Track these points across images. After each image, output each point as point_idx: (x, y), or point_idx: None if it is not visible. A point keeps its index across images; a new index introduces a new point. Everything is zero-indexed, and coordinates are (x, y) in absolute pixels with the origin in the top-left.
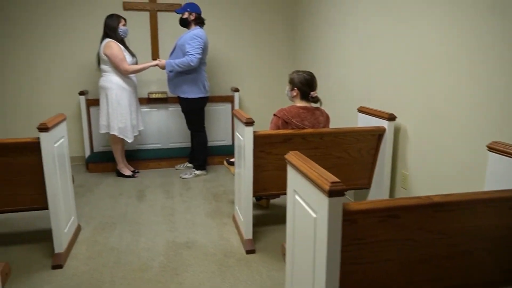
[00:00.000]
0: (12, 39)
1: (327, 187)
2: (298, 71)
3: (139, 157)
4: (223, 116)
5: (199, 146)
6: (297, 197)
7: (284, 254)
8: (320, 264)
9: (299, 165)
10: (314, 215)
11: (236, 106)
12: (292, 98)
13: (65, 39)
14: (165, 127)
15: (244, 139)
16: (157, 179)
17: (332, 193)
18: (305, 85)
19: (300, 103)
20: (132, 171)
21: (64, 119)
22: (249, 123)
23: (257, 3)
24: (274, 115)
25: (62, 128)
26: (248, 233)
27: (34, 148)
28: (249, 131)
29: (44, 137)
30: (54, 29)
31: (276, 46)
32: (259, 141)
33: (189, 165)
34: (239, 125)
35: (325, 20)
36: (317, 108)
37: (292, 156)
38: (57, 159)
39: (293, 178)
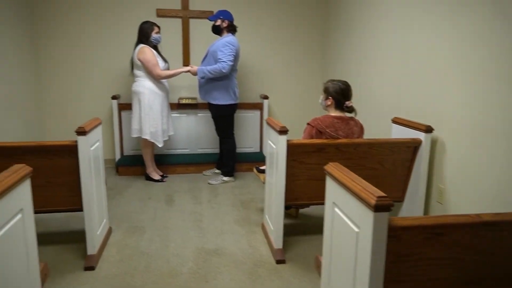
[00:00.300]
0: (48, 43)
1: (373, 201)
2: (333, 80)
3: (168, 162)
4: (251, 123)
5: (227, 152)
6: (336, 209)
7: (318, 267)
8: (362, 281)
9: (341, 177)
10: (356, 229)
11: (265, 114)
12: (326, 107)
13: (100, 45)
14: (194, 132)
15: (277, 148)
16: (185, 184)
17: (378, 208)
18: (340, 95)
19: (334, 113)
20: (160, 176)
21: (99, 123)
22: (283, 131)
23: (289, 11)
24: (308, 124)
25: (97, 132)
26: (278, 243)
27: (71, 151)
28: (282, 140)
29: (81, 141)
30: (89, 35)
31: (306, 54)
32: (292, 150)
33: (217, 171)
34: (272, 134)
35: (357, 28)
36: (351, 118)
37: (332, 168)
38: (92, 162)
39: (332, 190)
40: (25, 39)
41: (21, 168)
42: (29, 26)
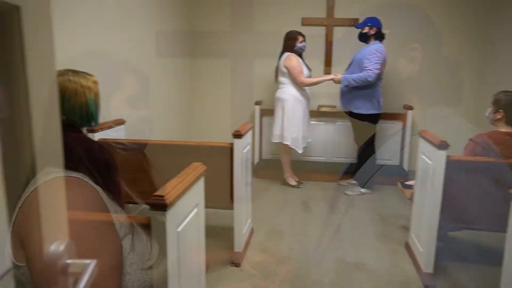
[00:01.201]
0: (203, 49)
1: None
2: (507, 92)
3: (303, 168)
4: (392, 135)
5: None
6: None
7: None
8: None
9: None
10: None
11: (409, 126)
12: (495, 121)
13: (246, 52)
14: (331, 141)
15: (434, 164)
16: (320, 192)
17: None
18: None
19: (504, 129)
20: (296, 181)
21: (251, 128)
22: (443, 146)
23: (440, 13)
24: (470, 140)
25: (249, 136)
26: (428, 266)
27: (226, 152)
28: (441, 155)
29: (237, 143)
30: (239, 45)
31: (459, 61)
32: (451, 167)
33: (354, 182)
34: (427, 147)
35: None
36: None
37: None
38: (244, 164)
39: None
40: (185, 45)
41: (199, 166)
42: (188, 30)
